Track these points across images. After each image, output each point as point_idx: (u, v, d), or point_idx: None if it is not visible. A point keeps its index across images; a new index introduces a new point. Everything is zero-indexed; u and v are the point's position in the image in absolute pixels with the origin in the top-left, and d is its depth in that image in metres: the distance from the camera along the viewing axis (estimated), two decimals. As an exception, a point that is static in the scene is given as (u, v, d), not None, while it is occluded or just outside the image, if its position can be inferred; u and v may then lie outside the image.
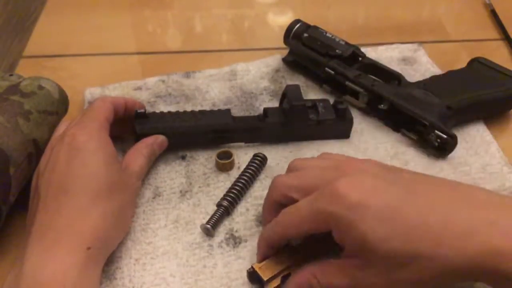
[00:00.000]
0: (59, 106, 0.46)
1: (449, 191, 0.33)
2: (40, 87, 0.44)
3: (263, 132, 0.47)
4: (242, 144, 0.48)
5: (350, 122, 0.48)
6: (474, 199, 0.32)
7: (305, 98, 0.49)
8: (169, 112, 0.46)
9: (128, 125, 0.45)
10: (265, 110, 0.47)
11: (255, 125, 0.47)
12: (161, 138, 0.45)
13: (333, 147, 0.48)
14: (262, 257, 0.37)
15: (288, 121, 0.46)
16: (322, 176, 0.36)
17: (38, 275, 0.33)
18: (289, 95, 0.46)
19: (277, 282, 0.36)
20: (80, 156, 0.37)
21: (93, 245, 0.35)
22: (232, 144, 0.48)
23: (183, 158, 0.47)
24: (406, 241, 0.30)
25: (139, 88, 0.54)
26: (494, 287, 0.31)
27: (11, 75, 0.46)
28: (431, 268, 0.30)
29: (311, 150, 0.48)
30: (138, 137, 0.44)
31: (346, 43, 0.54)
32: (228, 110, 0.47)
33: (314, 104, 0.47)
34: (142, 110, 0.45)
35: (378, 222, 0.31)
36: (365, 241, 0.31)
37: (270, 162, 0.46)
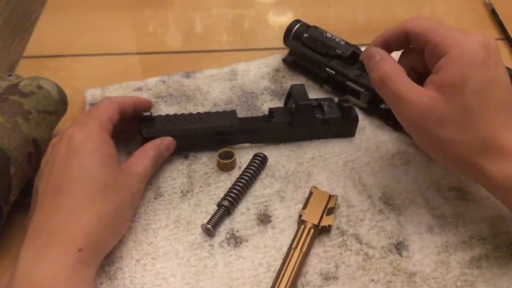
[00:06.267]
0: (58, 106, 0.46)
1: None
2: (39, 87, 0.44)
3: (269, 132, 0.47)
4: (245, 144, 0.48)
5: (356, 120, 0.48)
6: None
7: (307, 98, 0.49)
8: (175, 115, 0.46)
9: (135, 125, 0.45)
10: (271, 110, 0.47)
11: (261, 126, 0.47)
12: (168, 140, 0.44)
13: (334, 145, 0.48)
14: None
15: (294, 121, 0.46)
16: None
17: (30, 275, 0.33)
18: (294, 95, 0.46)
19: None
20: (77, 156, 0.37)
21: (85, 247, 0.35)
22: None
23: (186, 157, 0.47)
24: (482, 110, 0.34)
25: (140, 89, 0.54)
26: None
27: (9, 75, 0.46)
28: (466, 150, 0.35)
29: (312, 149, 0.48)
30: (144, 140, 0.44)
31: (346, 43, 0.53)
32: (234, 112, 0.47)
33: (319, 103, 0.48)
34: (148, 113, 0.45)
35: (480, 82, 0.34)
36: (464, 81, 0.34)
37: (271, 161, 0.46)
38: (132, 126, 0.45)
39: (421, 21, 0.38)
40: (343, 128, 0.48)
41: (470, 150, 0.35)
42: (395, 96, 0.37)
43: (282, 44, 0.57)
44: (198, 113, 0.47)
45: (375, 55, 0.39)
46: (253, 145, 0.48)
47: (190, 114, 0.47)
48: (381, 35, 0.41)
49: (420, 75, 0.40)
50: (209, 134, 0.46)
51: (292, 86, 0.47)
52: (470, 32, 0.37)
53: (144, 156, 0.42)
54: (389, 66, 0.38)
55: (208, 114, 0.47)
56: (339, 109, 0.47)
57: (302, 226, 0.40)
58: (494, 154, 0.34)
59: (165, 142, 0.44)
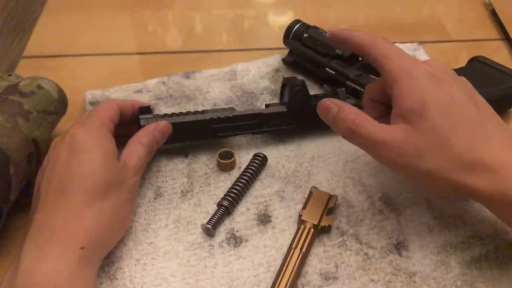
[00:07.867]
0: (58, 105, 0.46)
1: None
2: (39, 87, 0.44)
3: (266, 119, 0.47)
4: (244, 144, 0.48)
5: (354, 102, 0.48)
6: None
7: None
8: (173, 113, 0.46)
9: (134, 130, 0.45)
10: (267, 105, 0.48)
11: (258, 112, 0.46)
12: (162, 124, 0.43)
13: (334, 145, 0.48)
14: None
15: (291, 104, 0.46)
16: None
17: (32, 274, 0.33)
18: (288, 83, 0.47)
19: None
20: (78, 155, 0.37)
21: (87, 245, 0.35)
22: (234, 144, 0.48)
23: (186, 156, 0.47)
24: (452, 128, 0.34)
25: (140, 91, 0.54)
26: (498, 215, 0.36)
27: (9, 75, 0.46)
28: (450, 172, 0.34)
29: (312, 149, 0.48)
30: None
31: (346, 43, 0.54)
32: (232, 108, 0.47)
33: (315, 95, 0.48)
34: (146, 105, 0.45)
35: (440, 102, 0.35)
36: (424, 105, 0.34)
37: (270, 161, 0.46)
38: (132, 132, 0.45)
39: (380, 46, 0.38)
40: None
41: (455, 171, 0.34)
42: (369, 142, 0.36)
43: (282, 44, 0.57)
44: (196, 110, 0.47)
45: (331, 106, 0.38)
46: (253, 145, 0.48)
47: (189, 111, 0.47)
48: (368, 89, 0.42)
49: (385, 106, 0.39)
50: (207, 123, 0.45)
51: (284, 78, 0.48)
52: (417, 61, 0.37)
53: (137, 145, 0.41)
54: (353, 114, 0.37)
55: (206, 110, 0.47)
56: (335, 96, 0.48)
57: (302, 226, 0.40)
58: (478, 171, 0.33)
59: (159, 126, 0.43)
